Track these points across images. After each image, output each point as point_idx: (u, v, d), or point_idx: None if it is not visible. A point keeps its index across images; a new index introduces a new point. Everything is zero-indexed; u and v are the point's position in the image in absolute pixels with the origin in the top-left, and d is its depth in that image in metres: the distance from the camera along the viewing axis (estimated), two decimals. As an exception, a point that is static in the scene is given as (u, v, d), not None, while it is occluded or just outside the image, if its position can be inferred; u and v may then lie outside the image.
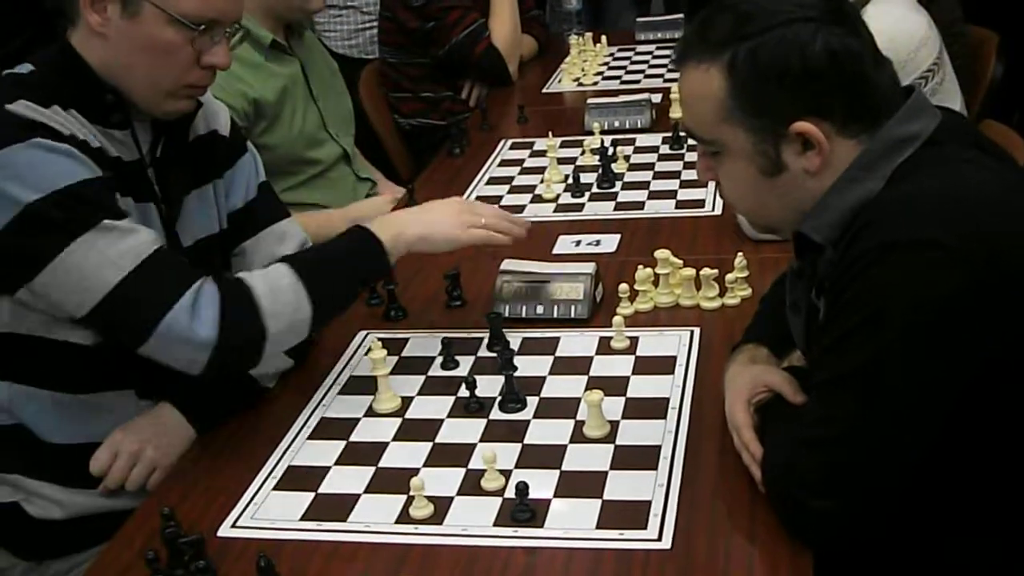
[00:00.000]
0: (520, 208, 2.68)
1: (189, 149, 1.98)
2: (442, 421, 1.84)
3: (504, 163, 3.01)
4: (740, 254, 2.14)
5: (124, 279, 1.70)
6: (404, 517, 1.61)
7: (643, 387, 1.87)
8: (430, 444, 1.78)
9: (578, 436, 1.75)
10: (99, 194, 1.74)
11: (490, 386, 1.88)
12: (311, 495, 1.69)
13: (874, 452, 1.39)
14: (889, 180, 1.45)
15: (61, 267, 1.70)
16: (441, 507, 1.62)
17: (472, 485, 1.66)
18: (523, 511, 1.58)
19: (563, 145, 2.96)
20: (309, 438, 1.84)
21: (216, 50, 1.83)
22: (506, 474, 1.67)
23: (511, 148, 3.12)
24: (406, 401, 1.90)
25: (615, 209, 2.62)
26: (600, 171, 2.75)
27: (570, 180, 2.74)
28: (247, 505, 1.69)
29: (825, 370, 1.45)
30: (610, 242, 2.43)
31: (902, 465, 1.40)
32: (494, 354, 1.97)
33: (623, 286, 2.10)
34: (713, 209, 2.53)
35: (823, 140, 1.46)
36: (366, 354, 2.00)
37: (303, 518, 1.64)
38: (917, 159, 1.46)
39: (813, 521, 1.45)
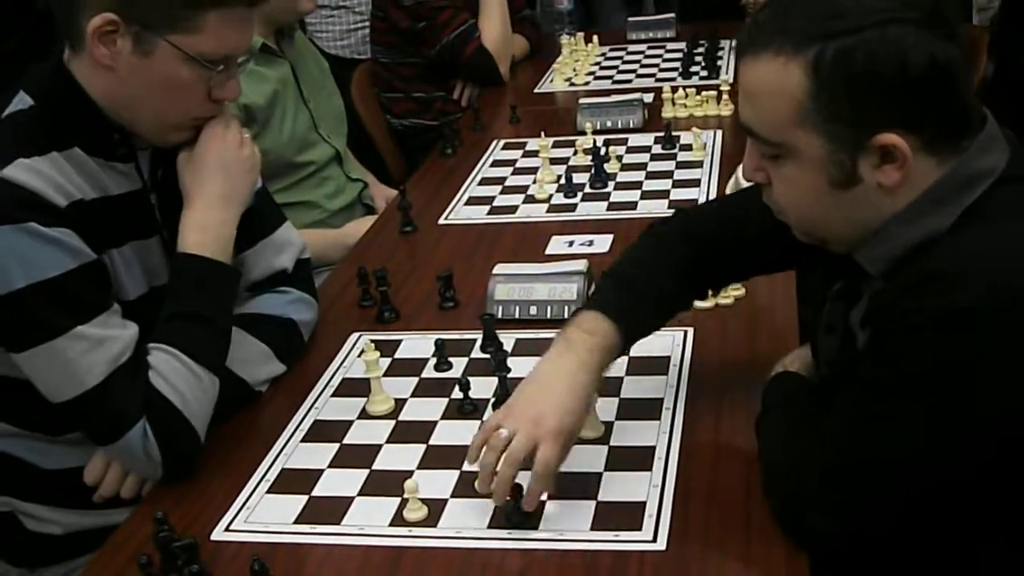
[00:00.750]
0: (513, 208, 2.68)
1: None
2: (436, 423, 1.83)
3: (496, 163, 3.01)
4: (733, 254, 2.13)
5: (85, 393, 1.69)
6: (398, 520, 1.61)
7: (637, 388, 1.86)
8: (424, 446, 1.77)
9: (572, 437, 1.75)
10: (84, 288, 1.70)
11: (484, 387, 1.87)
12: (305, 498, 1.68)
13: (889, 491, 1.38)
14: (959, 219, 1.36)
15: (34, 360, 1.69)
16: (435, 509, 1.62)
17: (466, 487, 1.66)
18: (517, 514, 1.58)
19: (555, 145, 2.96)
20: (302, 441, 1.83)
21: (228, 84, 1.79)
22: (500, 476, 1.67)
23: (503, 148, 3.11)
24: (399, 403, 1.90)
25: (608, 209, 2.61)
26: (593, 171, 2.75)
27: (563, 180, 2.74)
28: (240, 508, 1.68)
29: (860, 404, 1.39)
30: (603, 242, 2.42)
31: (913, 503, 1.39)
32: (487, 355, 1.97)
33: (616, 286, 2.10)
34: (706, 209, 2.52)
35: (909, 156, 1.34)
36: (359, 356, 1.99)
37: (297, 521, 1.64)
38: (990, 198, 1.37)
39: (810, 534, 1.45)
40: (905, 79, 1.31)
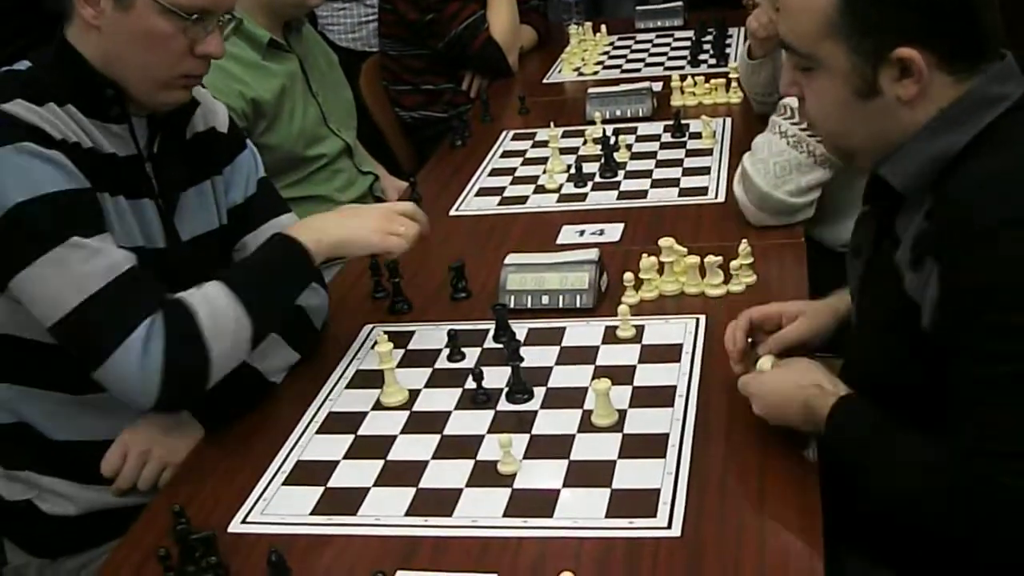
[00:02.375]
0: (524, 199, 2.68)
1: (187, 146, 1.99)
2: (450, 413, 1.84)
3: (506, 154, 3.01)
4: (744, 241, 2.14)
5: (85, 301, 1.71)
6: (414, 510, 1.62)
7: (650, 375, 1.87)
8: (438, 436, 1.78)
9: (586, 425, 1.75)
10: (79, 205, 1.75)
11: (497, 377, 1.88)
12: (320, 489, 1.69)
13: None
14: (977, 138, 1.44)
15: (30, 277, 1.72)
16: (450, 499, 1.63)
17: (481, 476, 1.67)
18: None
19: (565, 135, 2.96)
20: (317, 432, 1.84)
21: (210, 39, 1.84)
22: (515, 465, 1.68)
23: (513, 139, 3.11)
24: (413, 394, 1.90)
25: (618, 198, 2.62)
26: (602, 160, 2.75)
27: (572, 170, 2.75)
28: (257, 501, 1.69)
29: (976, 369, 1.37)
30: (614, 231, 2.43)
31: None
32: (500, 345, 1.98)
33: (628, 275, 2.11)
34: (717, 196, 2.53)
35: (924, 69, 1.44)
36: (373, 348, 2.00)
37: (313, 512, 1.65)
38: (1005, 122, 1.45)
39: (944, 548, 1.40)
40: None
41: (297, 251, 1.91)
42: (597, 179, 2.72)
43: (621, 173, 2.74)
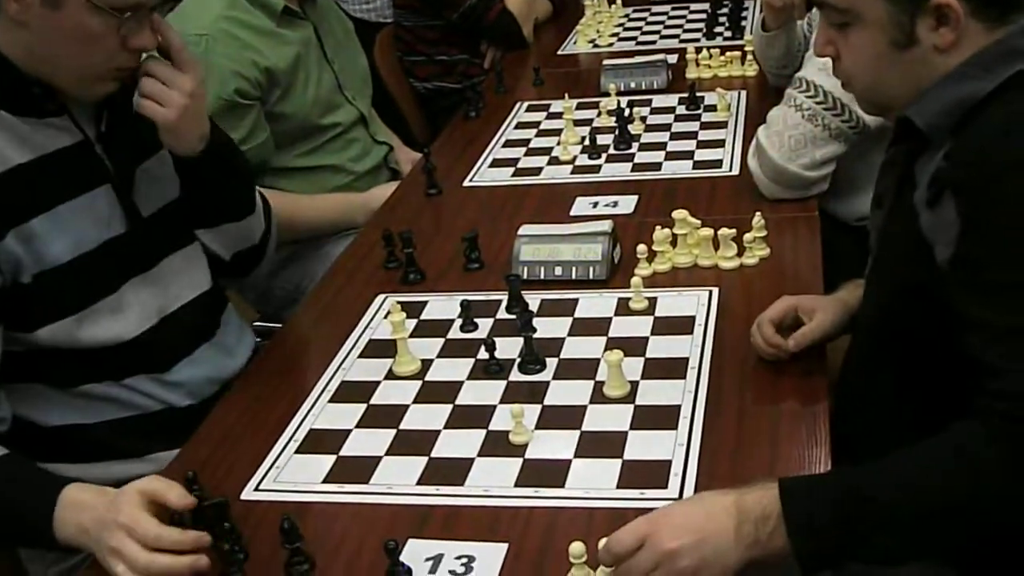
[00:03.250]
0: (537, 170, 2.68)
1: (136, 120, 1.94)
2: (462, 383, 1.85)
3: (520, 126, 3.00)
4: (758, 214, 2.13)
5: None
6: (426, 478, 1.63)
7: (662, 347, 1.87)
8: (450, 406, 1.79)
9: (598, 396, 1.76)
10: None
11: (509, 348, 1.88)
12: (333, 458, 1.70)
13: None
14: (1001, 87, 1.45)
15: None
16: (462, 468, 1.64)
17: (492, 446, 1.67)
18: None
19: (579, 107, 2.95)
20: (330, 401, 1.85)
21: (142, 33, 1.78)
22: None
23: (527, 111, 3.11)
24: (426, 364, 1.91)
25: (632, 170, 2.61)
26: (617, 132, 2.74)
27: (587, 142, 2.74)
28: (270, 468, 1.70)
29: (993, 315, 1.37)
30: (627, 203, 2.42)
31: None
32: (513, 316, 1.98)
33: (641, 247, 2.10)
34: (731, 169, 2.52)
35: (961, 15, 1.45)
36: (385, 317, 2.00)
37: (325, 480, 1.66)
38: None
39: None
40: None
41: (41, 518, 1.56)
42: (611, 151, 2.71)
43: (635, 145, 2.73)
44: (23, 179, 1.76)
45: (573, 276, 2.11)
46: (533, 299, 2.03)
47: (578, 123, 2.85)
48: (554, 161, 2.72)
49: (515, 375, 1.84)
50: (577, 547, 1.38)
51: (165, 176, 1.99)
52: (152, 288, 1.94)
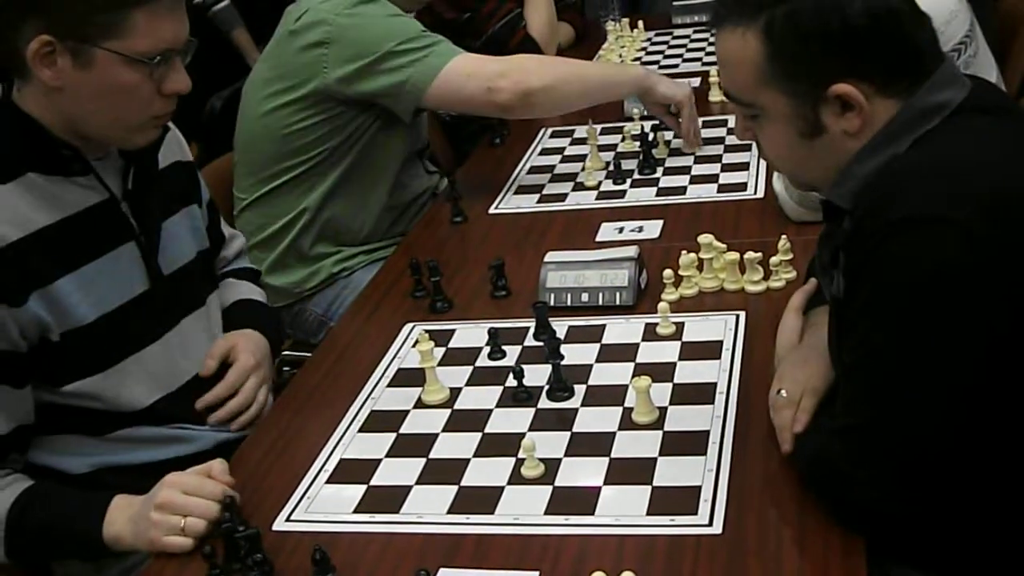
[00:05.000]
0: (563, 196, 2.69)
1: (161, 177, 1.99)
2: (491, 411, 1.85)
3: (545, 152, 3.01)
4: (784, 237, 2.13)
5: None
6: (457, 508, 1.63)
7: (690, 372, 1.87)
8: (479, 434, 1.79)
9: (626, 423, 1.76)
10: None
11: (537, 375, 1.89)
12: (363, 487, 1.71)
13: (902, 436, 1.39)
14: (910, 147, 1.45)
15: None
16: (492, 496, 1.64)
17: (522, 474, 1.67)
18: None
19: (603, 132, 2.96)
20: (360, 431, 1.86)
21: (175, 76, 1.80)
22: (555, 463, 1.69)
23: (551, 136, 3.12)
24: (454, 392, 1.91)
25: (657, 195, 2.62)
26: (641, 157, 2.75)
27: (611, 167, 2.75)
28: (301, 499, 1.71)
29: (847, 353, 1.46)
30: (653, 228, 2.43)
31: (934, 443, 1.38)
32: (540, 343, 1.98)
33: (667, 272, 2.11)
34: (756, 192, 2.52)
35: (863, 102, 1.45)
36: (413, 346, 2.01)
37: (356, 510, 1.66)
38: (942, 127, 1.45)
39: (852, 511, 1.45)
40: (848, 31, 1.43)
41: (93, 541, 1.71)
42: (636, 176, 2.72)
43: (660, 169, 2.73)
44: (48, 241, 1.78)
45: (600, 302, 2.11)
46: (560, 326, 2.04)
47: (602, 148, 2.86)
48: (579, 187, 2.73)
49: (544, 402, 1.85)
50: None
51: (185, 235, 2.03)
52: (174, 348, 1.97)
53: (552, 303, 2.11)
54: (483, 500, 1.64)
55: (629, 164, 2.76)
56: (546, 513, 1.59)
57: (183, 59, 1.83)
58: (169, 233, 1.99)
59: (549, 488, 1.64)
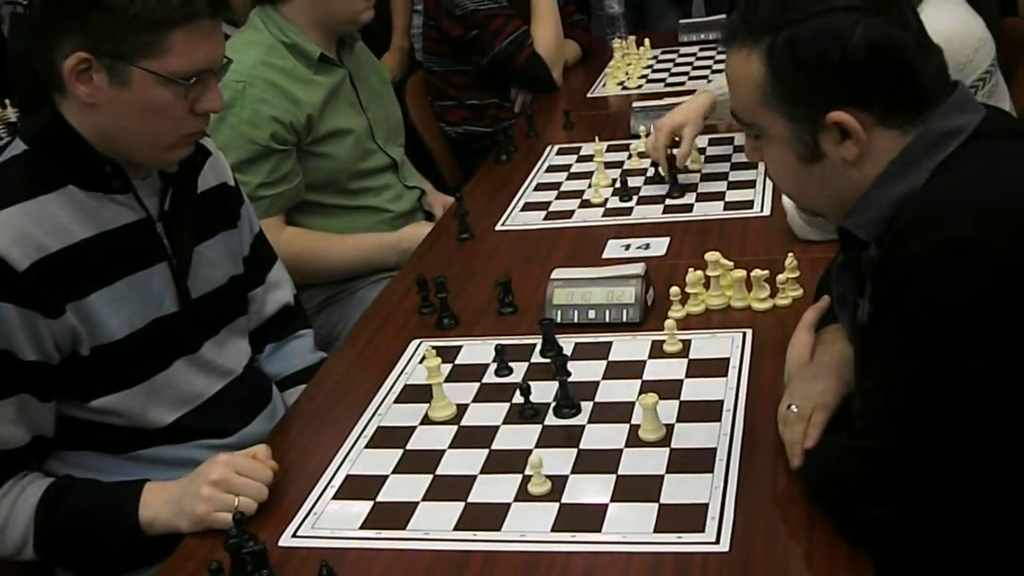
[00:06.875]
0: (569, 213, 2.69)
1: (198, 201, 2.00)
2: (497, 428, 1.85)
3: (551, 169, 3.02)
4: (791, 254, 2.13)
5: None
6: (463, 524, 1.63)
7: (697, 390, 1.87)
8: (486, 451, 1.79)
9: (633, 440, 1.76)
10: None
11: (544, 392, 1.89)
12: (370, 504, 1.71)
13: (919, 460, 1.39)
14: (931, 176, 1.45)
15: None
16: (498, 513, 1.64)
17: (529, 491, 1.67)
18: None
19: (610, 149, 2.97)
20: (366, 447, 1.86)
21: (209, 96, 1.82)
22: (562, 480, 1.69)
23: (558, 154, 3.12)
24: (461, 408, 1.91)
25: (664, 212, 2.62)
26: (648, 174, 2.75)
27: (618, 184, 2.75)
28: (307, 515, 1.71)
29: (869, 377, 1.46)
30: (659, 245, 2.43)
31: (950, 467, 1.38)
32: (547, 360, 1.98)
33: (674, 289, 2.11)
34: (762, 210, 2.52)
35: (860, 131, 1.46)
36: (420, 362, 2.01)
37: (363, 526, 1.66)
38: (960, 154, 1.45)
39: (866, 528, 1.45)
40: (848, 61, 1.44)
41: (127, 525, 1.75)
42: (642, 193, 2.72)
43: (667, 187, 2.74)
44: (84, 255, 1.79)
45: (607, 319, 2.11)
46: (567, 343, 2.04)
47: (609, 165, 2.86)
48: (585, 204, 2.73)
49: (550, 419, 1.85)
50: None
51: (219, 260, 2.04)
52: (198, 369, 1.98)
53: (559, 320, 2.11)
54: (490, 517, 1.63)
55: (636, 181, 2.76)
56: (553, 530, 1.59)
57: (217, 79, 1.84)
58: (202, 257, 1.99)
59: (556, 505, 1.64)
